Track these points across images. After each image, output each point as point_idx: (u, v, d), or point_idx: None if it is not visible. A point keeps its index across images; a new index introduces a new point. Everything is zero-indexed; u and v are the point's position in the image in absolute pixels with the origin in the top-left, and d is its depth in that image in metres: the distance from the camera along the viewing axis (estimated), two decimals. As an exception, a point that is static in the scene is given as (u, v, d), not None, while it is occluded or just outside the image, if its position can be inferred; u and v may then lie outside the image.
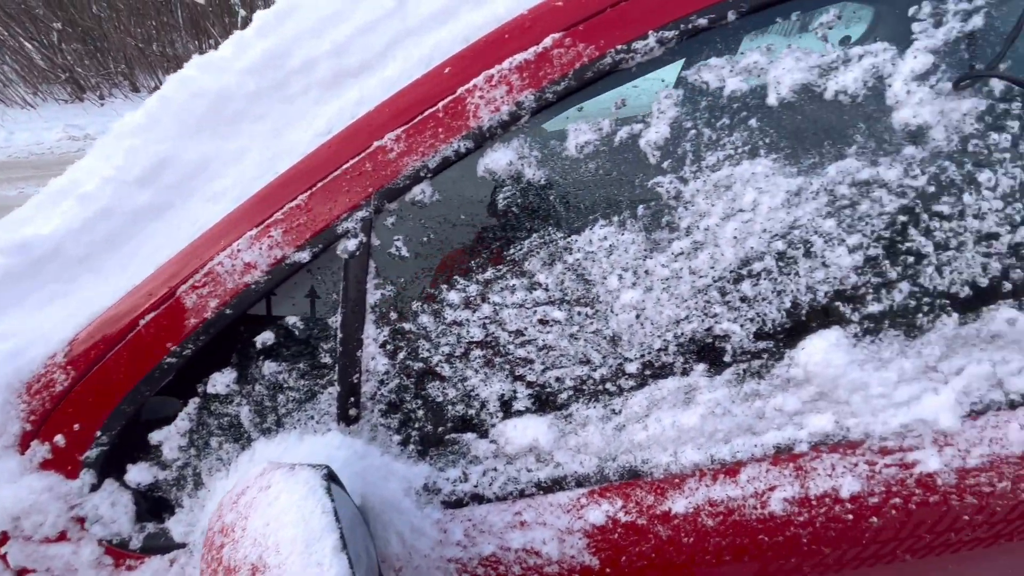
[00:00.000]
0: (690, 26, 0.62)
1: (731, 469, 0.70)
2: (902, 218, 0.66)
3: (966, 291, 0.69)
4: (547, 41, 0.62)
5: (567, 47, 0.62)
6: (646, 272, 0.66)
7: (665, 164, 0.64)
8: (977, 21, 0.64)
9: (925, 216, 0.67)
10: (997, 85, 0.64)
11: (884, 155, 0.65)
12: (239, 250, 0.63)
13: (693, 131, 0.64)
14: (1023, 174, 0.66)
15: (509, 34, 0.64)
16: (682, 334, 0.67)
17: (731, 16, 0.62)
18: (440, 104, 0.63)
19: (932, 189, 0.66)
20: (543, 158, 0.65)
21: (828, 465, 0.70)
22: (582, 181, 0.65)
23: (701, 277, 0.66)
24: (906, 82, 0.64)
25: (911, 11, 0.64)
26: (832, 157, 0.65)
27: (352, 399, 0.68)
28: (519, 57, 0.62)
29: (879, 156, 0.65)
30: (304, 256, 0.64)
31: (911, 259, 0.68)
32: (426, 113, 0.63)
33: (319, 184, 0.63)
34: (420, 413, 0.70)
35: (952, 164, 0.65)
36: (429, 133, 0.63)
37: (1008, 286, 0.69)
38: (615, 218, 0.65)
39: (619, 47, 0.62)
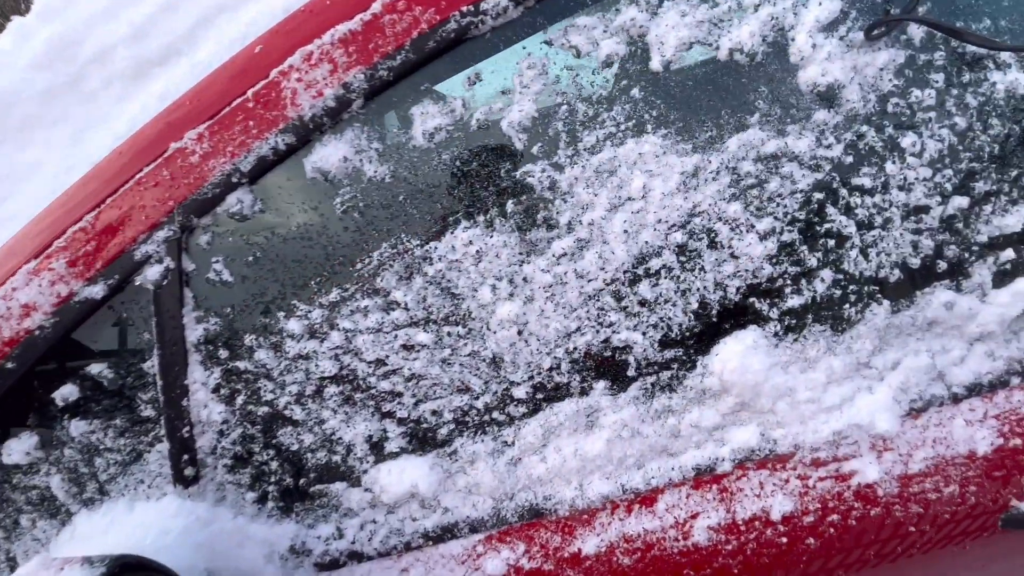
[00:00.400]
0: (551, -23, 0.51)
1: (647, 498, 0.61)
2: (818, 195, 0.57)
3: (897, 274, 0.60)
4: (376, 6, 0.50)
5: (401, 12, 0.50)
6: (524, 280, 0.55)
7: (535, 149, 0.53)
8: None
9: (844, 192, 0.57)
10: (917, 32, 0.55)
11: (792, 123, 0.55)
12: (14, 289, 0.51)
13: (565, 107, 0.53)
14: (951, 135, 0.57)
15: (331, 0, 0.52)
16: (575, 349, 0.57)
17: (600, -36, 0.51)
18: (250, 92, 0.51)
19: (849, 160, 0.56)
20: (387, 151, 0.53)
21: (756, 484, 0.62)
22: (437, 175, 0.54)
23: (590, 281, 0.56)
24: (811, 34, 0.54)
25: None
26: (732, 129, 0.55)
27: (186, 456, 0.56)
28: (342, 28, 0.50)
29: (786, 125, 0.55)
30: (97, 291, 0.51)
31: (831, 242, 0.58)
32: (234, 104, 0.51)
33: (108, 201, 0.51)
34: (276, 465, 0.59)
35: (871, 129, 0.56)
36: (239, 128, 0.51)
37: (943, 265, 0.60)
38: (480, 218, 0.54)
39: (464, 8, 0.50)
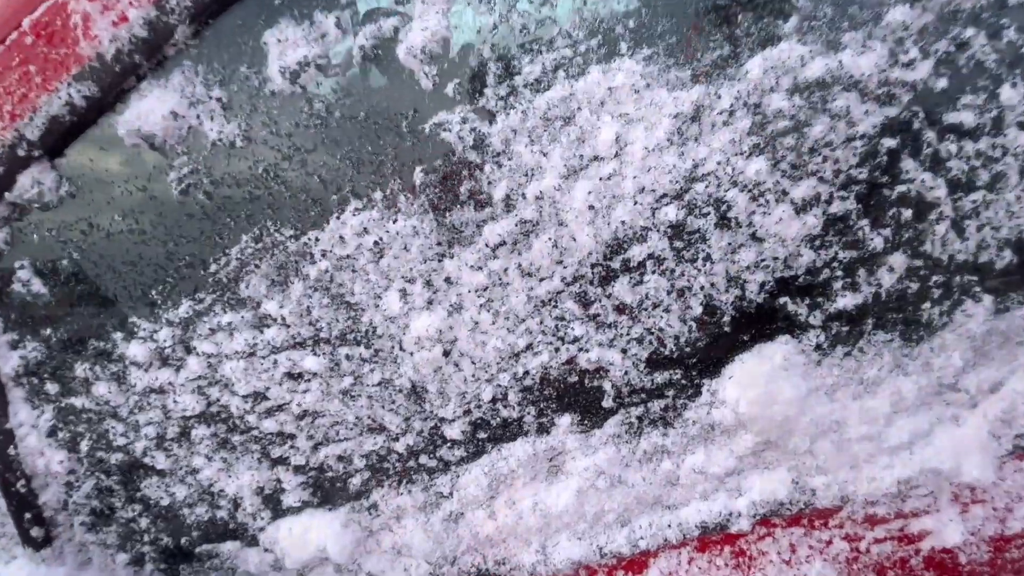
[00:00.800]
0: None
1: (633, 563, 0.46)
2: (889, 143, 0.38)
3: (1008, 258, 0.40)
4: None
5: None
6: (446, 280, 0.39)
7: (449, 89, 0.36)
8: None
9: (931, 135, 0.38)
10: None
11: (851, 30, 0.35)
12: None
13: (494, 20, 0.35)
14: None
15: None
16: (526, 374, 0.41)
17: None
18: (26, 22, 0.35)
19: (942, 84, 0.36)
20: (234, 100, 0.37)
21: (785, 546, 0.45)
22: (309, 135, 0.37)
23: (542, 280, 0.39)
24: None
25: None
26: (755, 42, 0.36)
27: (30, 514, 0.44)
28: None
29: (841, 32, 0.35)
30: None
31: (907, 213, 0.40)
32: (6, 42, 0.35)
33: None
34: (147, 521, 0.46)
35: (979, 33, 0.35)
36: (16, 77, 0.35)
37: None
38: (376, 195, 0.37)
39: None
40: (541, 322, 0.41)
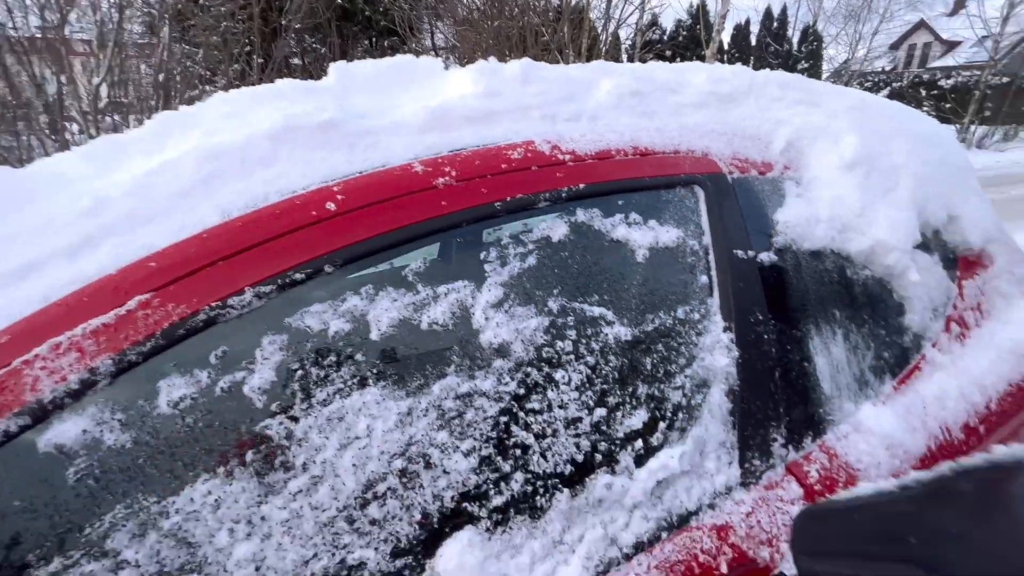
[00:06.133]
0: (288, 280, 0.69)
1: None
2: (503, 419, 0.79)
3: (569, 468, 0.83)
4: (132, 303, 0.62)
5: (155, 308, 0.63)
6: (262, 519, 0.64)
7: (274, 406, 0.66)
8: (531, 260, 0.85)
9: (521, 414, 0.80)
10: (555, 305, 0.85)
11: (479, 370, 0.78)
12: None
13: (300, 371, 0.69)
14: (587, 369, 0.85)
15: (90, 297, 0.62)
16: (312, 575, 0.66)
17: (328, 269, 0.71)
18: (-13, 380, 0.56)
19: (522, 391, 0.81)
20: (130, 420, 0.61)
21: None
22: (179, 436, 0.63)
23: (324, 511, 0.67)
24: (484, 310, 0.79)
25: (481, 256, 0.83)
26: (435, 377, 0.75)
27: None
28: (96, 321, 0.61)
29: (475, 371, 0.78)
30: None
31: (518, 451, 0.79)
32: (-33, 393, 0.55)
33: None
34: None
35: (533, 369, 0.82)
36: (-35, 416, 0.55)
37: (599, 457, 0.85)
38: (220, 470, 0.63)
39: (214, 303, 0.65)
40: (323, 538, 0.67)
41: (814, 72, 17.74)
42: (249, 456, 0.65)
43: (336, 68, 0.98)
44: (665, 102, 1.11)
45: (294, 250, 0.70)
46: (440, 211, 0.79)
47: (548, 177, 0.89)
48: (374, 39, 14.14)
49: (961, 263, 1.37)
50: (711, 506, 0.92)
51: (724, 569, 0.87)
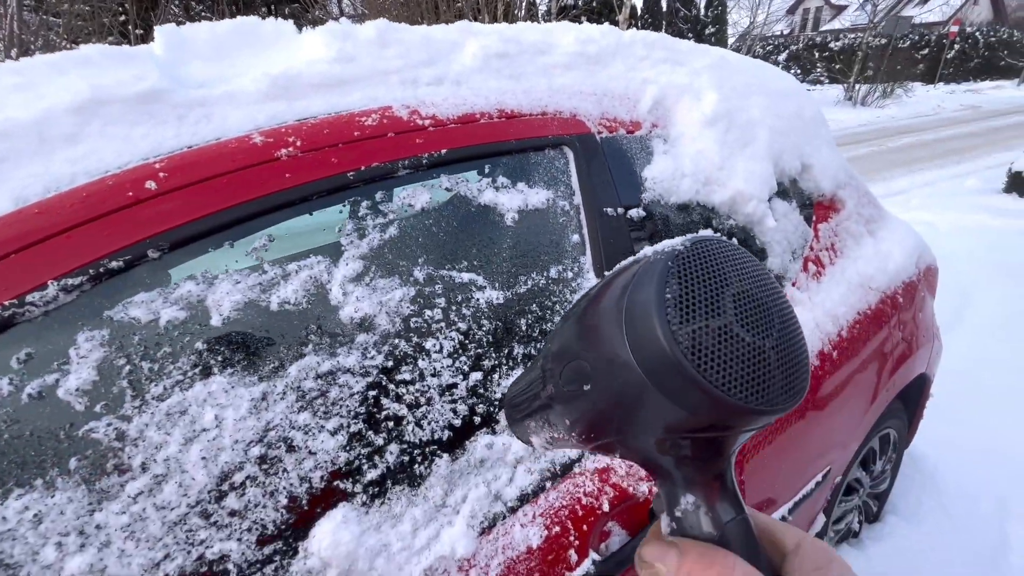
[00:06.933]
0: (103, 269, 0.62)
1: None
2: (372, 393, 0.78)
3: (448, 434, 0.84)
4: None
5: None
6: (97, 527, 0.60)
7: (97, 408, 0.61)
8: (392, 231, 0.83)
9: (392, 386, 0.79)
10: (420, 273, 0.84)
11: (341, 346, 0.76)
12: None
13: (128, 367, 0.63)
14: (459, 335, 0.86)
15: None
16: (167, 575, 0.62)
17: (152, 254, 0.65)
18: None
19: (391, 363, 0.80)
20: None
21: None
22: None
23: (172, 509, 0.63)
24: (342, 285, 0.77)
25: (337, 229, 0.80)
26: (292, 358, 0.73)
27: None
28: None
29: (336, 348, 0.76)
30: None
31: (391, 423, 0.79)
32: None
33: None
34: None
35: (402, 341, 0.81)
36: None
37: (478, 419, 0.87)
38: (37, 482, 0.58)
39: (7, 302, 0.58)
40: (174, 538, 0.64)
41: (720, 37, 18.50)
42: (73, 463, 0.59)
43: (163, 32, 0.88)
44: (533, 64, 1.11)
45: (107, 236, 0.64)
46: (284, 184, 0.75)
47: (407, 144, 0.87)
48: (273, 7, 13.02)
49: (816, 208, 1.50)
50: (593, 452, 0.98)
51: (607, 507, 0.93)
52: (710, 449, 0.28)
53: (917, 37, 23.43)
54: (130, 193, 0.66)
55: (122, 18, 8.04)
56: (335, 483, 0.74)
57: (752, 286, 0.27)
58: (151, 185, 0.68)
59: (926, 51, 23.12)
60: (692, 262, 0.26)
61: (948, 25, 25.41)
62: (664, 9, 18.00)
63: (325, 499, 0.73)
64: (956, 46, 23.79)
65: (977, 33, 25.00)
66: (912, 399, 1.97)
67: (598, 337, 0.28)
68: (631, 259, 0.30)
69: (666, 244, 0.28)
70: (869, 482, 1.94)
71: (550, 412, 0.34)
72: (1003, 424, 2.54)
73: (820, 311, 1.37)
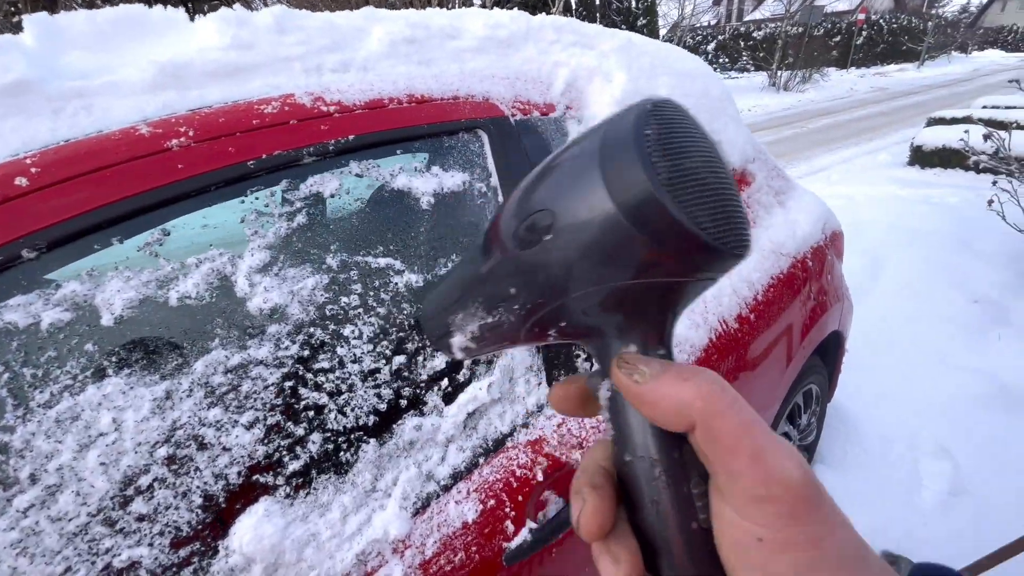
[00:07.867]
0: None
1: None
2: (289, 384, 0.76)
3: (374, 419, 0.84)
4: None
5: None
6: (-18, 547, 0.56)
7: (-27, 420, 0.57)
8: (300, 219, 0.81)
9: (310, 376, 0.78)
10: (333, 261, 0.83)
11: (251, 338, 0.74)
12: None
13: (8, 375, 0.59)
14: (378, 320, 0.85)
15: None
16: (67, 590, 0.59)
17: (27, 255, 0.61)
18: None
19: (307, 352, 0.79)
20: None
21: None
22: None
23: (71, 520, 0.60)
24: (248, 276, 0.75)
25: (241, 218, 0.77)
26: (197, 354, 0.70)
27: None
28: None
29: (246, 340, 0.74)
30: None
31: (312, 413, 0.78)
32: None
33: None
34: None
35: (317, 329, 0.80)
36: None
37: (404, 402, 0.87)
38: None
39: None
40: (75, 549, 0.61)
41: (651, 28, 19.08)
42: (-54, 482, 0.55)
43: (33, 21, 0.82)
44: (443, 48, 1.11)
45: (-30, 237, 0.59)
46: (176, 176, 0.72)
47: (311, 130, 0.85)
48: (191, 3, 12.26)
49: (729, 181, 1.59)
50: (524, 425, 1.00)
51: (540, 477, 0.96)
52: (663, 300, 0.28)
53: (830, 25, 25.10)
54: (-3, 191, 0.62)
55: (12, 12, 7.35)
56: (254, 477, 0.72)
57: (711, 142, 0.28)
58: (22, 182, 0.63)
59: (838, 38, 24.82)
60: (666, 110, 0.27)
61: (856, 13, 27.39)
62: (597, 2, 18.35)
63: (244, 495, 0.72)
64: (864, 33, 25.68)
65: (881, 20, 27.10)
66: (830, 355, 2.13)
67: (568, 178, 0.27)
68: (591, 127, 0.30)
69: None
70: (797, 435, 2.09)
71: (487, 289, 0.31)
72: (912, 371, 2.80)
73: (736, 277, 1.45)
